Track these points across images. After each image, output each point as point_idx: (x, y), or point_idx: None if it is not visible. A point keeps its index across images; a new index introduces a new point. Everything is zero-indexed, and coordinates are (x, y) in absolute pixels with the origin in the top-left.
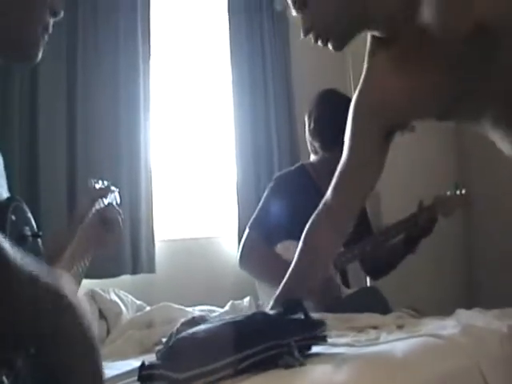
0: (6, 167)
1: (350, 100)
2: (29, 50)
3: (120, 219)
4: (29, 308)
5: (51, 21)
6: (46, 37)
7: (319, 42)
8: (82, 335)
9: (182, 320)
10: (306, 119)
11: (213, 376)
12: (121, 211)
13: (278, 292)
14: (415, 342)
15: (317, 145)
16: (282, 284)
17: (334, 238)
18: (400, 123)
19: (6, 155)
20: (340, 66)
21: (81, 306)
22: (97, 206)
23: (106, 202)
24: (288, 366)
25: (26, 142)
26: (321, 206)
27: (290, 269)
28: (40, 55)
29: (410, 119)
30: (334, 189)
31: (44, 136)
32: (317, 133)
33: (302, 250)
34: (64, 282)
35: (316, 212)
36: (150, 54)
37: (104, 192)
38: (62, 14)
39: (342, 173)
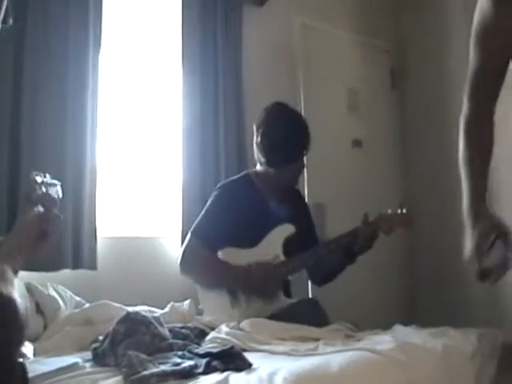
0: None
1: (299, 115)
2: None
3: (55, 219)
4: None
5: None
6: None
7: None
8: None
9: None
10: (255, 130)
11: None
12: (60, 217)
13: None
14: (352, 356)
15: (262, 159)
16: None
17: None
18: None
19: None
20: (291, 77)
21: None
22: (33, 205)
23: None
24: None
25: None
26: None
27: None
28: None
29: None
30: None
31: None
32: (262, 147)
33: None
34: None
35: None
36: (100, 47)
37: (44, 186)
38: (11, 22)
39: (476, 80)
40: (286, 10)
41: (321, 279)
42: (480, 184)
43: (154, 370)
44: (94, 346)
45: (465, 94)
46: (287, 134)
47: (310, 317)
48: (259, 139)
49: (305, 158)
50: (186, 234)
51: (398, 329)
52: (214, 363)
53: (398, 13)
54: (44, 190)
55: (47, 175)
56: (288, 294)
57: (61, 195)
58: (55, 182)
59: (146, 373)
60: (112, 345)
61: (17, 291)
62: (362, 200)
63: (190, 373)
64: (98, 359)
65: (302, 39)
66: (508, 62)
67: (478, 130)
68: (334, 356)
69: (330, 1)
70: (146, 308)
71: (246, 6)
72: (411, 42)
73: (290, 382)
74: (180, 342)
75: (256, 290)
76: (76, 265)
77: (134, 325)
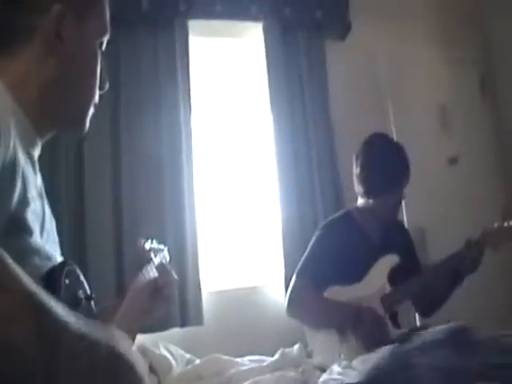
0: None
1: (398, 146)
2: (83, 125)
3: (172, 283)
4: (87, 369)
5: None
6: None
7: None
8: None
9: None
10: (354, 162)
11: None
12: (173, 274)
13: None
14: None
15: (363, 190)
16: None
17: None
18: None
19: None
20: (380, 105)
21: (137, 363)
22: (144, 271)
23: (155, 261)
24: None
25: (72, 203)
26: None
27: None
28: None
29: None
30: None
31: (90, 196)
32: (363, 179)
33: None
34: (119, 339)
35: None
36: (190, 105)
37: (152, 252)
38: (107, 86)
39: None
40: (369, 38)
41: (428, 308)
42: None
43: None
44: None
45: None
46: (387, 162)
47: None
48: (359, 170)
49: (404, 190)
50: (289, 278)
51: None
52: None
53: (482, 20)
54: (152, 255)
55: (154, 240)
56: (397, 325)
57: (168, 259)
58: (162, 246)
59: None
60: None
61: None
62: (464, 218)
63: None
64: None
65: (387, 64)
66: None
67: None
68: None
69: (411, 21)
70: (255, 357)
71: (328, 42)
72: (500, 48)
73: None
74: None
75: (366, 330)
76: (183, 322)
77: None
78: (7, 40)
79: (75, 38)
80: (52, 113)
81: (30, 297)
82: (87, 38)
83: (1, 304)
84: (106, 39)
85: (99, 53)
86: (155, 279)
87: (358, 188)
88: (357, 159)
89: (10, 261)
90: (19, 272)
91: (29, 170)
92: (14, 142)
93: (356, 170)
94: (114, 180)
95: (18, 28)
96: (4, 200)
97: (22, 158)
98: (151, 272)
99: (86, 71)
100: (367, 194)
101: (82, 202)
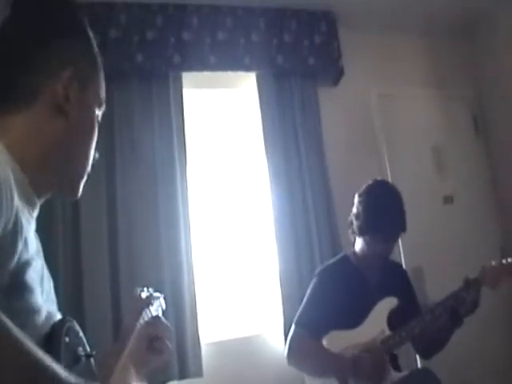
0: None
1: (399, 193)
2: (76, 190)
3: (168, 335)
4: None
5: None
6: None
7: None
8: None
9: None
10: (355, 201)
11: None
12: (169, 325)
13: None
14: None
15: (359, 228)
16: None
17: None
18: None
19: (50, 273)
20: (374, 148)
21: None
22: (141, 321)
23: (152, 311)
24: None
25: (69, 259)
26: None
27: None
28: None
29: None
30: None
31: (87, 251)
32: (361, 214)
33: None
34: None
35: None
36: (186, 156)
37: (149, 301)
38: (97, 156)
39: None
40: (361, 84)
41: (429, 350)
42: None
43: None
44: None
45: None
46: (387, 202)
47: None
48: (359, 207)
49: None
50: (289, 326)
51: None
52: None
53: (473, 57)
54: (149, 303)
55: (150, 289)
56: (397, 368)
57: (164, 307)
58: (158, 294)
59: None
60: None
61: None
62: (461, 257)
63: None
64: None
65: (380, 109)
66: None
67: None
68: None
69: (402, 64)
70: None
71: (321, 88)
72: (492, 86)
73: None
74: None
75: (366, 377)
76: (182, 374)
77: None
78: (12, 98)
79: (80, 103)
80: (51, 174)
81: (27, 356)
82: (89, 104)
83: None
84: (101, 112)
85: (96, 124)
86: (151, 331)
87: (355, 226)
88: (358, 199)
89: (7, 320)
90: (16, 331)
91: (29, 230)
92: (17, 202)
93: (356, 208)
94: (111, 234)
95: (24, 88)
96: (5, 261)
97: (23, 218)
98: (146, 323)
99: (87, 137)
100: (363, 230)
101: (79, 258)
